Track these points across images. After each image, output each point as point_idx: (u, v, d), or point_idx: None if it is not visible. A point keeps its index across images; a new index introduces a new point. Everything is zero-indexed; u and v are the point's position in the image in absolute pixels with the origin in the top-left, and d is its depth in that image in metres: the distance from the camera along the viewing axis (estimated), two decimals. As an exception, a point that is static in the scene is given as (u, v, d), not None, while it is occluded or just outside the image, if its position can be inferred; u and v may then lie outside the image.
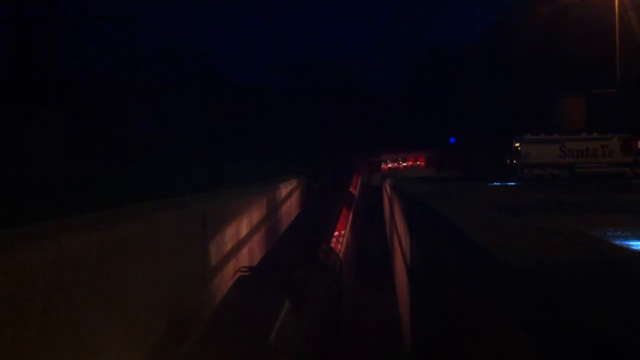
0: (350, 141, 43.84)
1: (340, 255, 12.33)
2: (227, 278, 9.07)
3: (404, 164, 42.01)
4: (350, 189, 23.89)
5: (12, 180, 9.49)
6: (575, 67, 38.69)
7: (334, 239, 13.50)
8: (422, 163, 43.90)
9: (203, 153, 26.41)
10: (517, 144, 33.18)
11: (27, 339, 3.66)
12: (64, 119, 16.45)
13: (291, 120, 45.37)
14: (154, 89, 29.45)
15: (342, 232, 15.64)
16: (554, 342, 2.31)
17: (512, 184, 29.85)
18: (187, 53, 35.64)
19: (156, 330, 6.07)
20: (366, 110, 51.44)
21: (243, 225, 10.73)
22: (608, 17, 31.32)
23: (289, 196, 18.11)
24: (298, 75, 54.14)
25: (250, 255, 11.01)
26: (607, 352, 1.96)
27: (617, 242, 7.72)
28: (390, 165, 42.56)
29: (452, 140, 47.89)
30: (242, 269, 8.17)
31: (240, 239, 10.24)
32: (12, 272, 3.54)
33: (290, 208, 18.52)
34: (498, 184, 28.85)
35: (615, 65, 30.67)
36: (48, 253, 3.94)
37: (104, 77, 22.92)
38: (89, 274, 4.51)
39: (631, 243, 7.85)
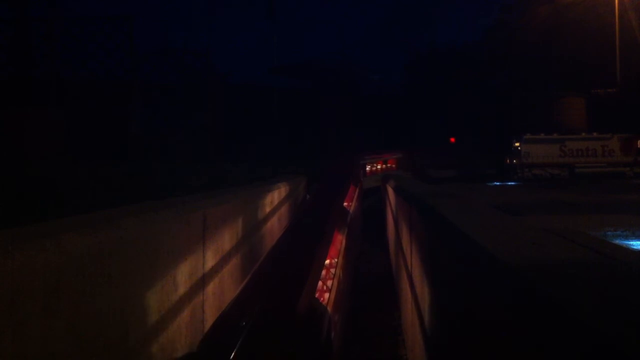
0: (349, 142, 43.82)
1: (329, 307, 9.64)
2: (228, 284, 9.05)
3: (378, 166, 41.78)
4: (345, 203, 19.74)
5: (12, 180, 9.49)
6: (575, 67, 38.68)
7: (322, 275, 10.91)
8: (394, 165, 43.88)
9: (203, 153, 26.43)
10: (517, 144, 33.17)
11: (27, 340, 3.65)
12: (64, 119, 16.46)
13: (291, 120, 45.38)
14: (154, 89, 29.49)
15: (334, 259, 12.58)
16: (554, 344, 2.31)
17: (512, 183, 29.85)
18: (187, 52, 35.72)
19: (161, 331, 6.06)
20: (365, 110, 51.45)
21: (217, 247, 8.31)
22: (608, 17, 31.33)
23: (276, 207, 14.60)
24: (297, 75, 54.14)
25: (220, 290, 8.45)
26: (608, 353, 1.96)
27: (617, 241, 7.71)
28: (368, 168, 42.26)
29: (451, 140, 47.93)
30: None
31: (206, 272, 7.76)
32: (12, 272, 3.54)
33: (279, 218, 14.89)
34: (498, 183, 28.85)
35: (615, 65, 30.66)
36: (48, 253, 3.94)
37: (104, 77, 22.92)
38: (90, 274, 4.51)
39: (631, 243, 7.85)
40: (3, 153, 11.52)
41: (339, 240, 13.80)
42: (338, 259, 12.62)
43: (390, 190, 18.87)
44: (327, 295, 10.37)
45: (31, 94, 16.26)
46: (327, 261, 11.83)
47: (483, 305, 3.53)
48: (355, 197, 22.87)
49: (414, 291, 8.41)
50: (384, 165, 42.42)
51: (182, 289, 6.87)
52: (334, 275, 11.68)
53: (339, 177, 23.45)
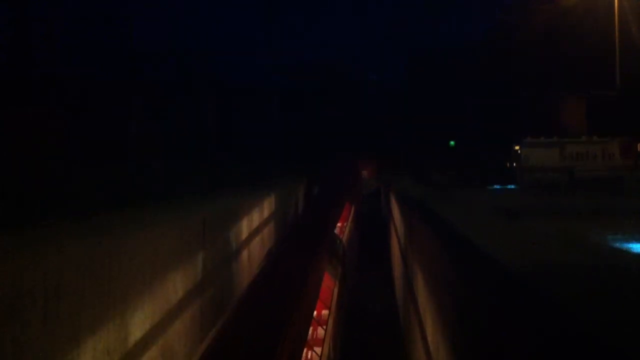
0: (348, 142, 43.74)
1: None
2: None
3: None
4: (340, 224, 15.49)
5: (12, 181, 9.47)
6: (575, 70, 38.70)
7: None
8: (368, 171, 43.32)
9: (203, 153, 26.38)
10: (517, 147, 33.17)
11: (29, 342, 3.64)
12: (63, 119, 16.44)
13: (290, 120, 45.38)
14: (154, 89, 29.46)
15: (324, 310, 9.35)
16: (554, 345, 2.31)
17: (512, 187, 29.84)
18: (187, 53, 35.70)
19: (162, 331, 6.04)
20: (364, 110, 51.42)
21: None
22: (607, 19, 31.33)
23: (257, 227, 11.16)
24: (296, 76, 54.09)
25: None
26: (609, 354, 1.96)
27: (617, 245, 7.70)
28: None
29: (452, 142, 47.96)
30: None
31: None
32: (13, 277, 3.52)
33: (261, 239, 11.50)
34: (498, 187, 28.84)
35: (614, 66, 30.65)
36: (49, 257, 3.93)
37: (104, 77, 22.90)
38: (90, 278, 4.49)
39: (631, 246, 7.84)
40: (3, 153, 11.49)
41: (330, 286, 9.84)
42: (329, 317, 8.80)
43: (393, 197, 16.81)
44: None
45: (31, 94, 16.21)
46: (315, 312, 8.58)
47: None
48: (351, 216, 18.54)
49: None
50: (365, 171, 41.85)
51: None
52: (324, 344, 8.11)
53: (335, 191, 19.50)
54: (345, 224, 16.51)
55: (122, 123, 21.76)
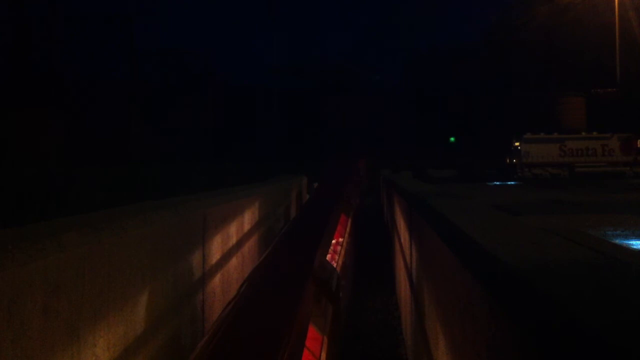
0: (347, 143, 43.78)
1: None
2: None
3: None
4: (334, 240, 12.46)
5: (13, 180, 9.49)
6: (575, 67, 38.71)
7: None
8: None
9: (203, 153, 26.43)
10: (517, 143, 33.18)
11: (28, 339, 3.65)
12: (64, 119, 16.50)
13: (290, 120, 45.42)
14: (154, 89, 29.51)
15: None
16: (553, 347, 2.31)
17: (512, 183, 29.88)
18: (187, 53, 35.76)
19: (159, 332, 6.05)
20: (364, 110, 51.45)
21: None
22: (608, 16, 31.34)
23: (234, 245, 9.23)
24: (297, 76, 54.15)
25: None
26: (608, 356, 1.96)
27: (617, 241, 7.71)
28: None
29: (452, 138, 48.03)
30: None
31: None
32: (12, 272, 3.53)
33: (243, 258, 9.68)
34: (498, 183, 28.89)
35: (615, 65, 30.69)
36: (48, 253, 3.93)
37: (104, 77, 22.94)
38: (90, 274, 4.50)
39: (631, 242, 7.85)
40: (3, 153, 11.53)
41: (314, 349, 6.66)
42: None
43: (393, 196, 15.71)
44: None
45: (31, 94, 16.26)
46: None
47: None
48: (349, 228, 15.40)
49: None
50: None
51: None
52: None
53: (334, 192, 17.73)
54: (341, 239, 13.46)
55: (122, 123, 21.80)
